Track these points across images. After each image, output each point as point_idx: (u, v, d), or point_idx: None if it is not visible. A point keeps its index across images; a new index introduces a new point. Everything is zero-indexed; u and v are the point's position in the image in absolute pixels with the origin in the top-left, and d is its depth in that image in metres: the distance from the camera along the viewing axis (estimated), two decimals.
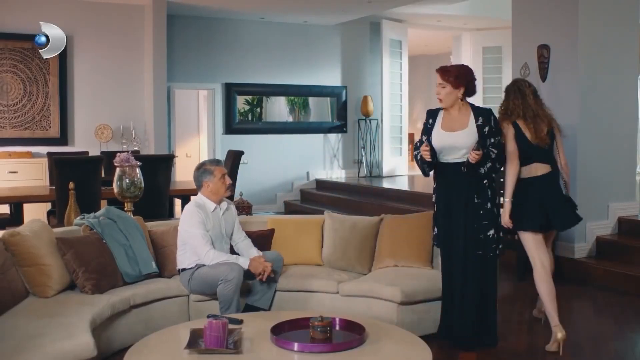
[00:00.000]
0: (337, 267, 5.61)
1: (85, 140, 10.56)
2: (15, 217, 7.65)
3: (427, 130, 4.92)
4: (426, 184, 11.30)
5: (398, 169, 13.55)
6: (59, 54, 10.21)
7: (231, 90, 12.25)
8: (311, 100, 13.05)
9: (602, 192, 7.38)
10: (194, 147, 13.89)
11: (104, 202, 7.47)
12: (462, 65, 5.14)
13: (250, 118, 12.57)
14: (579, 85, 7.16)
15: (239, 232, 5.39)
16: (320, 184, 12.88)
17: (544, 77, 7.37)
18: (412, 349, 3.76)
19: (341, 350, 3.61)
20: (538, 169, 5.11)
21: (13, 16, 10.03)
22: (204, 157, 13.10)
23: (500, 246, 4.95)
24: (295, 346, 3.63)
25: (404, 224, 5.65)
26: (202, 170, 5.24)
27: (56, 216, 7.30)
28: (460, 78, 4.85)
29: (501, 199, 4.94)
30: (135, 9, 10.99)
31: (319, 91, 13.05)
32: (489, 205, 4.84)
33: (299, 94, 12.88)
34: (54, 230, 5.17)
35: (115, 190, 6.22)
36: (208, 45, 12.03)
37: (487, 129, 4.80)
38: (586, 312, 6.31)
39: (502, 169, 4.96)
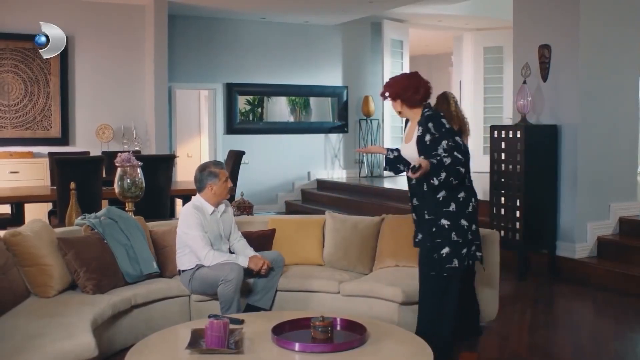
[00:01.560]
0: (338, 267, 5.60)
1: (86, 140, 10.57)
2: (16, 217, 7.65)
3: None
4: None
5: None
6: (60, 54, 10.26)
7: (232, 90, 12.25)
8: (312, 100, 13.05)
9: (603, 192, 7.38)
10: (195, 147, 13.88)
11: (105, 202, 7.47)
12: (396, 76, 4.79)
13: (251, 118, 12.57)
14: (580, 86, 7.16)
15: (235, 232, 5.39)
16: (321, 184, 12.88)
17: (545, 77, 7.37)
18: (413, 349, 3.76)
19: (342, 350, 3.61)
20: None
21: (14, 16, 10.04)
22: (205, 157, 13.10)
23: (455, 265, 4.46)
24: (297, 346, 3.62)
25: (405, 224, 5.62)
26: (206, 172, 5.22)
27: (57, 216, 7.30)
28: (390, 91, 4.66)
29: (463, 220, 4.46)
30: (136, 9, 10.99)
31: (320, 91, 13.05)
32: (442, 222, 4.47)
33: (300, 94, 12.87)
34: (55, 230, 5.16)
35: (117, 190, 6.22)
36: (209, 45, 12.03)
37: (428, 137, 4.48)
38: (587, 313, 6.31)
39: (456, 181, 4.43)
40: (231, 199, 6.55)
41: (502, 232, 7.19)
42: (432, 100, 4.86)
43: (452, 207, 4.47)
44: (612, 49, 7.36)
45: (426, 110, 4.60)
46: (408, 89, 4.58)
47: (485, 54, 13.88)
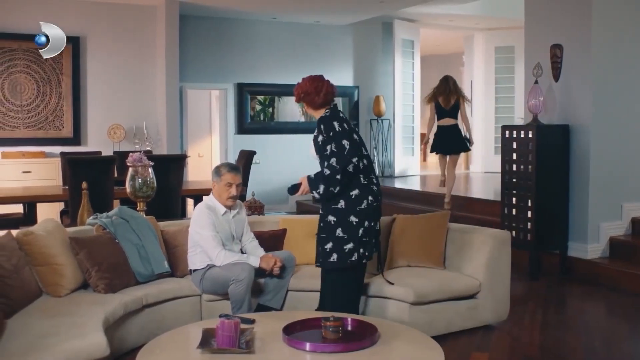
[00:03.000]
0: None
1: (98, 140, 10.61)
2: (29, 217, 7.69)
3: None
4: (438, 185, 11.30)
5: (410, 169, 13.53)
6: (72, 54, 10.35)
7: (243, 90, 12.27)
8: None
9: (616, 193, 7.35)
10: (206, 147, 13.92)
11: (116, 202, 7.49)
12: (303, 78, 4.99)
13: (262, 118, 12.58)
14: (592, 85, 7.13)
15: (248, 233, 5.40)
16: None
17: (556, 77, 7.34)
18: (425, 350, 3.75)
19: (353, 350, 3.60)
20: (446, 122, 9.22)
21: (25, 17, 10.08)
22: (216, 157, 13.14)
23: (334, 259, 4.64)
24: (307, 346, 3.62)
25: (416, 224, 5.64)
26: (215, 169, 5.26)
27: (69, 216, 7.34)
28: (296, 93, 4.90)
29: (352, 217, 4.62)
30: (148, 10, 11.02)
31: None
32: (329, 218, 4.67)
33: None
34: (67, 230, 5.19)
35: (128, 190, 6.24)
36: (220, 45, 12.05)
37: (320, 138, 4.67)
38: (599, 313, 6.29)
39: (337, 189, 4.58)
40: (242, 198, 6.55)
41: (514, 232, 7.17)
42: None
43: (341, 204, 4.65)
44: (624, 49, 7.33)
45: (327, 111, 4.77)
46: (310, 92, 4.80)
47: (497, 53, 13.86)
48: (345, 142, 4.59)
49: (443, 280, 5.16)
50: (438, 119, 9.31)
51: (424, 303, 4.95)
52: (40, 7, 10.23)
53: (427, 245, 5.50)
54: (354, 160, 4.59)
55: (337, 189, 4.58)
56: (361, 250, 4.67)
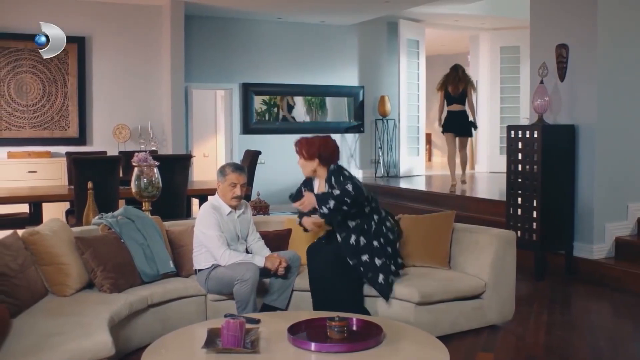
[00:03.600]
0: None
1: (103, 140, 10.63)
2: (35, 217, 7.70)
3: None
4: (443, 185, 11.29)
5: (415, 169, 13.53)
6: (78, 54, 10.38)
7: (248, 90, 12.28)
8: (328, 100, 13.05)
9: (621, 193, 7.33)
10: (212, 147, 13.93)
11: (122, 202, 7.51)
12: (316, 136, 5.31)
13: (267, 118, 12.59)
14: (598, 85, 7.11)
15: (254, 233, 5.41)
16: None
17: (562, 77, 7.33)
18: (430, 350, 3.76)
19: (358, 350, 3.60)
20: (455, 107, 10.49)
21: (31, 18, 10.09)
22: (222, 156, 13.15)
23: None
24: (313, 346, 3.62)
25: (421, 224, 5.63)
26: (220, 169, 5.26)
27: (75, 215, 7.35)
28: (311, 150, 5.15)
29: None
30: (153, 10, 11.04)
31: (336, 91, 13.06)
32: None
33: (316, 94, 12.89)
34: (72, 230, 5.20)
35: (133, 190, 6.25)
36: (225, 45, 12.07)
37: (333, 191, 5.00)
38: (604, 314, 6.27)
39: (344, 208, 4.93)
40: (247, 198, 6.56)
41: (519, 232, 7.16)
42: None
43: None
44: (630, 48, 7.30)
45: (331, 167, 5.13)
46: (326, 153, 5.16)
47: (502, 53, 13.85)
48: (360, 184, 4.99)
49: (448, 281, 5.16)
50: (447, 105, 10.60)
51: (429, 303, 4.95)
52: (46, 7, 10.25)
53: (432, 245, 5.50)
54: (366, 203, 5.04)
55: (345, 208, 4.89)
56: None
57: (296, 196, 5.13)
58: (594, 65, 7.11)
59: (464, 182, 10.92)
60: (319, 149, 5.13)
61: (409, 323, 4.65)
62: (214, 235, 5.03)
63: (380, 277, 4.90)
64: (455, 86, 10.40)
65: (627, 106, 7.30)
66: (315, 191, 5.18)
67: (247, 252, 5.28)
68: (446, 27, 13.98)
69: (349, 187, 4.88)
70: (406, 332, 4.06)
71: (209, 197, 5.44)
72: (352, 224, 5.00)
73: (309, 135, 5.29)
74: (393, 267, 5.03)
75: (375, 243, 5.00)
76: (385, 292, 4.90)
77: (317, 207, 4.92)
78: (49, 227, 4.91)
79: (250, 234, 5.38)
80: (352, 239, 4.96)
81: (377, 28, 13.27)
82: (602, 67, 7.12)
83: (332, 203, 4.85)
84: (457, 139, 10.60)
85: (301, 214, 5.27)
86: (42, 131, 10.35)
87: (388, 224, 5.18)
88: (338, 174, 5.04)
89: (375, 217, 5.11)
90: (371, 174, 13.25)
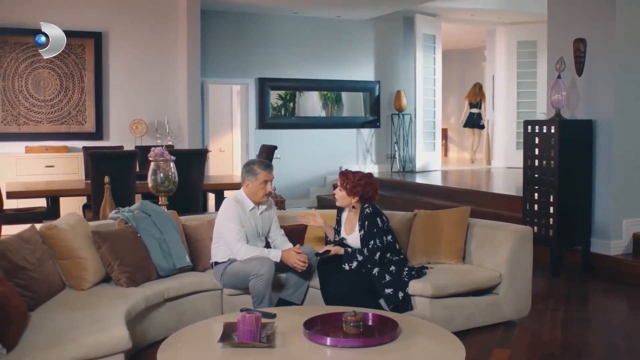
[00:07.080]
0: None
1: (120, 135, 10.66)
2: (52, 211, 7.74)
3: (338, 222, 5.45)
4: (459, 180, 11.25)
5: (431, 164, 13.49)
6: (95, 49, 10.41)
7: (264, 85, 12.28)
8: (344, 95, 13.03)
9: (639, 188, 7.27)
10: (228, 142, 13.96)
11: (138, 196, 7.53)
12: (363, 175, 5.29)
13: (283, 113, 12.60)
14: (615, 80, 7.06)
15: (277, 230, 5.42)
16: None
17: (580, 72, 7.27)
18: (446, 345, 3.75)
19: (374, 345, 3.60)
20: (474, 110, 15.31)
21: (48, 13, 10.13)
22: (238, 151, 13.17)
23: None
24: (328, 341, 3.63)
25: (437, 220, 5.62)
26: (248, 168, 5.24)
27: (92, 210, 7.39)
28: (356, 189, 5.18)
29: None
30: (170, 5, 11.06)
31: (352, 86, 13.04)
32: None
33: (332, 89, 12.88)
34: (89, 224, 5.22)
35: (150, 185, 6.27)
36: (241, 40, 12.07)
37: (362, 232, 5.13)
38: (621, 310, 6.24)
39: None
40: None
41: (536, 228, 7.13)
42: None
43: None
44: None
45: (366, 206, 5.19)
46: (368, 192, 5.19)
47: (519, 48, 13.77)
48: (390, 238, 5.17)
49: (462, 273, 5.16)
50: (470, 109, 15.34)
51: (444, 296, 4.94)
52: (62, 3, 10.28)
53: (447, 241, 5.48)
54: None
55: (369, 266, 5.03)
56: None
57: (323, 253, 5.15)
58: (612, 60, 7.06)
59: (475, 153, 15.68)
60: (364, 188, 5.16)
61: (424, 318, 4.64)
62: (233, 229, 5.04)
63: (400, 295, 4.93)
64: (474, 97, 15.33)
65: None
66: (343, 221, 5.35)
67: (269, 246, 5.30)
68: (462, 21, 13.91)
69: (376, 244, 5.00)
70: (422, 327, 4.05)
71: (232, 192, 5.43)
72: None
73: (354, 171, 5.35)
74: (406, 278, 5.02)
75: (392, 268, 5.06)
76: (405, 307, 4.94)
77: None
78: (66, 221, 4.94)
79: (274, 230, 5.40)
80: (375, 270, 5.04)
81: (393, 23, 13.23)
82: (620, 61, 7.07)
83: (355, 264, 5.01)
84: (473, 130, 15.54)
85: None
86: (59, 126, 10.40)
87: (397, 246, 5.28)
88: (372, 222, 5.09)
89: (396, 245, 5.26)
90: (387, 169, 13.23)
